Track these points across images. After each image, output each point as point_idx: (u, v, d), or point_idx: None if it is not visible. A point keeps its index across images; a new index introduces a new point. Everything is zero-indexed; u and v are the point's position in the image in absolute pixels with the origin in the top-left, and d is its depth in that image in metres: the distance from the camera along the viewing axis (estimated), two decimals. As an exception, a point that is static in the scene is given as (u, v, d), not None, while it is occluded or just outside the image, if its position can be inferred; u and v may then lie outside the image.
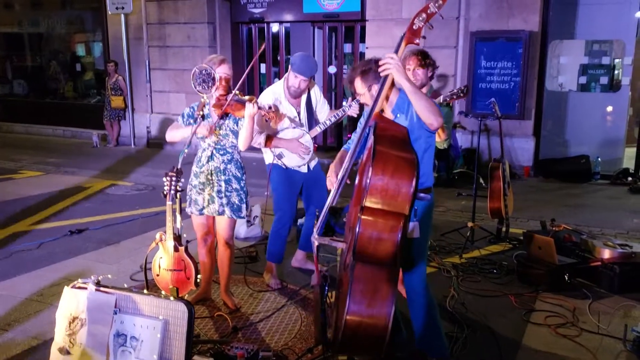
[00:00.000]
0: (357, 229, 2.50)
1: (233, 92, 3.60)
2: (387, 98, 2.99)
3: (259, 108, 3.59)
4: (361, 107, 4.29)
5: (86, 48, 13.99)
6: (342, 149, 3.36)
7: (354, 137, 3.16)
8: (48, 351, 3.43)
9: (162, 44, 11.30)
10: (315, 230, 2.89)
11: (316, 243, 2.89)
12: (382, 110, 3.09)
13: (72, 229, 5.95)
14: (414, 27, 2.82)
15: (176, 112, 11.31)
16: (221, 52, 10.58)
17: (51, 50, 14.42)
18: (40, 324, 3.88)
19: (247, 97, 3.67)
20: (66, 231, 5.91)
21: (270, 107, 3.68)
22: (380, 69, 2.82)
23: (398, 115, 2.99)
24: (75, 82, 14.14)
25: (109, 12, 11.46)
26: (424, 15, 2.81)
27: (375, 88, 2.95)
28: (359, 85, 3.09)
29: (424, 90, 4.08)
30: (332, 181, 3.08)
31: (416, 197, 3.02)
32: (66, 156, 10.63)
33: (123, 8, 11.20)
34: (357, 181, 2.91)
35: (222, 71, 3.67)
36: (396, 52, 2.83)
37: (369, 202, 2.51)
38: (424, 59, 4.05)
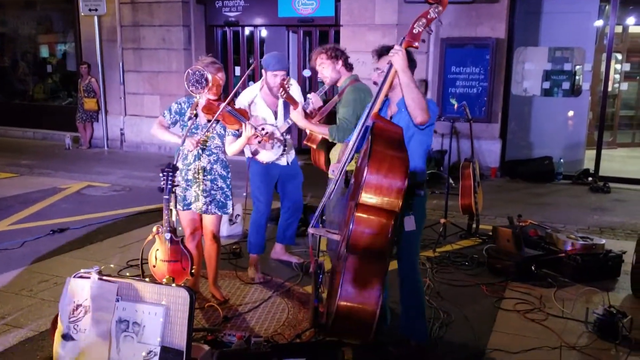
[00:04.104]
0: (351, 225, 2.72)
1: (226, 102, 3.81)
2: (391, 89, 3.23)
3: (255, 129, 3.87)
4: (324, 99, 4.55)
5: (57, 49, 13.90)
6: (345, 141, 3.58)
7: (354, 132, 3.38)
8: (44, 341, 3.59)
9: (136, 46, 11.35)
10: (312, 221, 3.12)
11: (311, 233, 3.13)
12: (386, 105, 3.34)
13: (53, 229, 6.02)
14: (414, 31, 3.05)
15: (150, 114, 11.38)
16: (196, 55, 10.70)
17: (20, 51, 14.28)
18: (33, 316, 4.00)
19: (240, 109, 3.98)
20: (47, 231, 5.98)
21: (263, 129, 3.97)
22: (389, 56, 3.08)
23: (403, 110, 3.20)
24: (46, 84, 14.03)
25: (82, 14, 11.47)
26: (423, 20, 3.04)
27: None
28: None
29: (340, 82, 4.36)
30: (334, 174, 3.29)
31: (412, 193, 3.27)
32: (39, 158, 10.59)
33: (96, 10, 11.22)
34: (353, 177, 3.14)
35: (219, 77, 3.87)
36: None
37: (363, 199, 2.72)
38: (333, 52, 4.31)
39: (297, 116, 4.19)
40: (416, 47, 3.08)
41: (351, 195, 3.05)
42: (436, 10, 3.02)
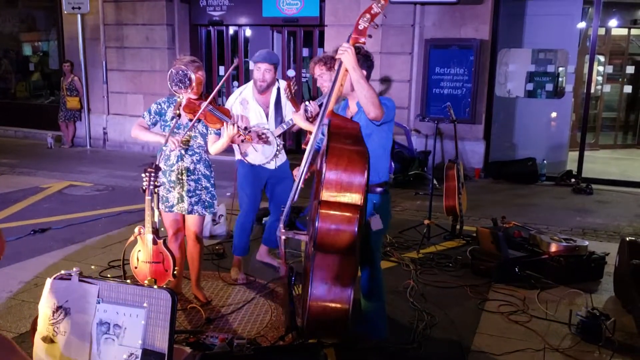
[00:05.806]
0: (316, 222, 2.72)
1: (207, 101, 3.77)
2: (342, 88, 3.25)
3: (238, 128, 3.82)
4: (320, 105, 4.51)
5: (40, 47, 13.72)
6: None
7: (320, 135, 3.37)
8: (24, 343, 3.52)
9: (119, 45, 11.24)
10: (280, 224, 3.10)
11: (282, 237, 3.11)
12: (344, 107, 3.36)
13: (35, 229, 5.94)
14: (360, 27, 3.06)
15: (133, 114, 11.28)
16: (180, 55, 10.61)
17: (2, 48, 14.05)
18: (13, 318, 3.94)
19: (222, 108, 3.95)
20: (28, 231, 5.89)
21: (246, 128, 3.96)
22: (338, 54, 3.08)
23: (362, 109, 3.20)
24: (28, 82, 13.85)
25: (65, 12, 11.34)
26: (368, 15, 3.05)
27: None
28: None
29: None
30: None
31: (371, 191, 3.29)
32: (20, 157, 10.44)
33: (79, 8, 11.10)
34: (316, 176, 3.14)
35: (199, 75, 3.83)
36: None
37: (325, 196, 2.73)
38: (331, 63, 4.22)
39: (298, 119, 4.18)
40: (363, 43, 3.11)
41: (315, 194, 3.04)
42: (379, 4, 3.04)
